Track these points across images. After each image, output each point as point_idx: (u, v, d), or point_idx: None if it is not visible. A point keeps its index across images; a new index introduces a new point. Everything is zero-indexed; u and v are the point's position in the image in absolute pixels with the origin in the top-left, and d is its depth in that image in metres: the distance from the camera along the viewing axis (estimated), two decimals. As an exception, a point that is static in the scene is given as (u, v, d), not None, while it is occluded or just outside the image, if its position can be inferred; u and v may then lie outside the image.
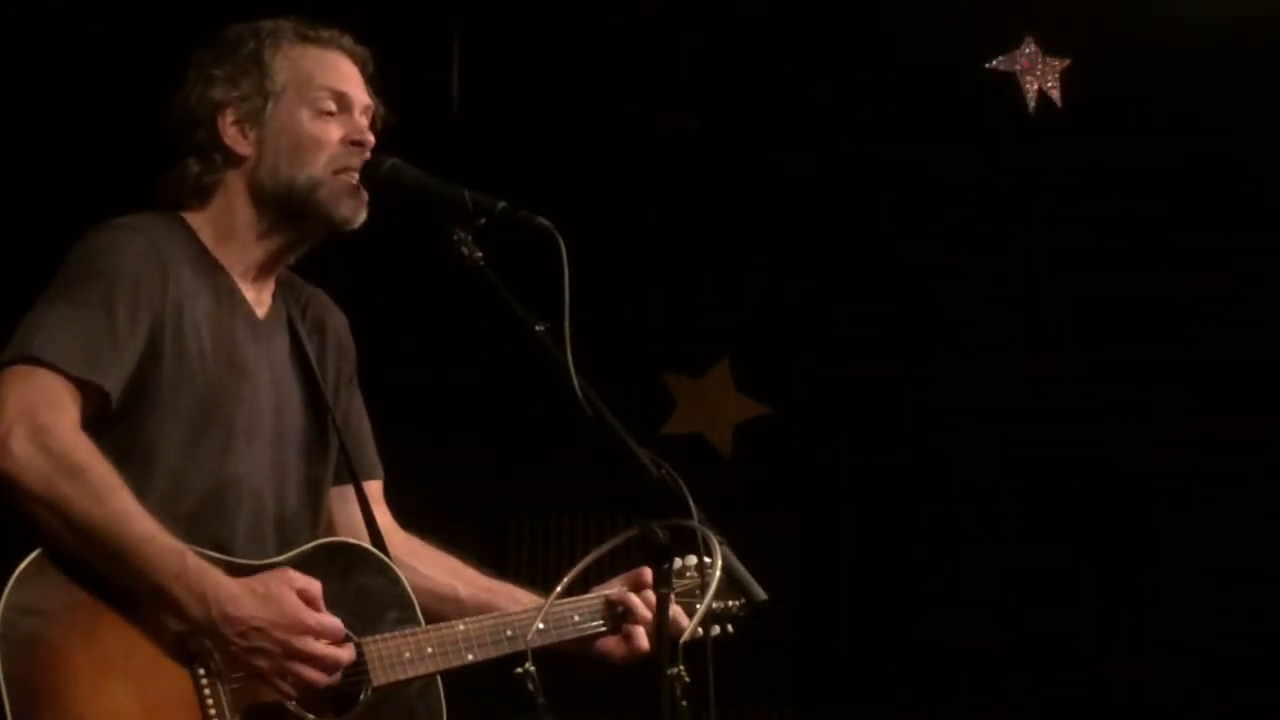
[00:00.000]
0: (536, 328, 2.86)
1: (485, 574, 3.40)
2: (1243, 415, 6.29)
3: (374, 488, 3.39)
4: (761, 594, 2.84)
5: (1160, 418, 6.35)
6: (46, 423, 2.85)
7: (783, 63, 5.90)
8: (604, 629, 3.33)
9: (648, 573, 3.31)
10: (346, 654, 2.96)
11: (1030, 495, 6.37)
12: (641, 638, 3.32)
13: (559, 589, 3.04)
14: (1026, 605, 6.35)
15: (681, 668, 2.72)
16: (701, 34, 5.76)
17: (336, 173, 3.16)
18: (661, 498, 2.78)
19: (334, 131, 3.18)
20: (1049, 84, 5.89)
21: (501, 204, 2.97)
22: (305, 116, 3.18)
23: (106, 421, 2.96)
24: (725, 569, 2.80)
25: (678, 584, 3.28)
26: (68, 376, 2.91)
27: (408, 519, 3.47)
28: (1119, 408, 6.39)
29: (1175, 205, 6.14)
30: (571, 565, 2.99)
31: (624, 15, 5.70)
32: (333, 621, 2.95)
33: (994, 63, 5.90)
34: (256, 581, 2.92)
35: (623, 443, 2.82)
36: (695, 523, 2.75)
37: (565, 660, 3.38)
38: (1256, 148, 5.95)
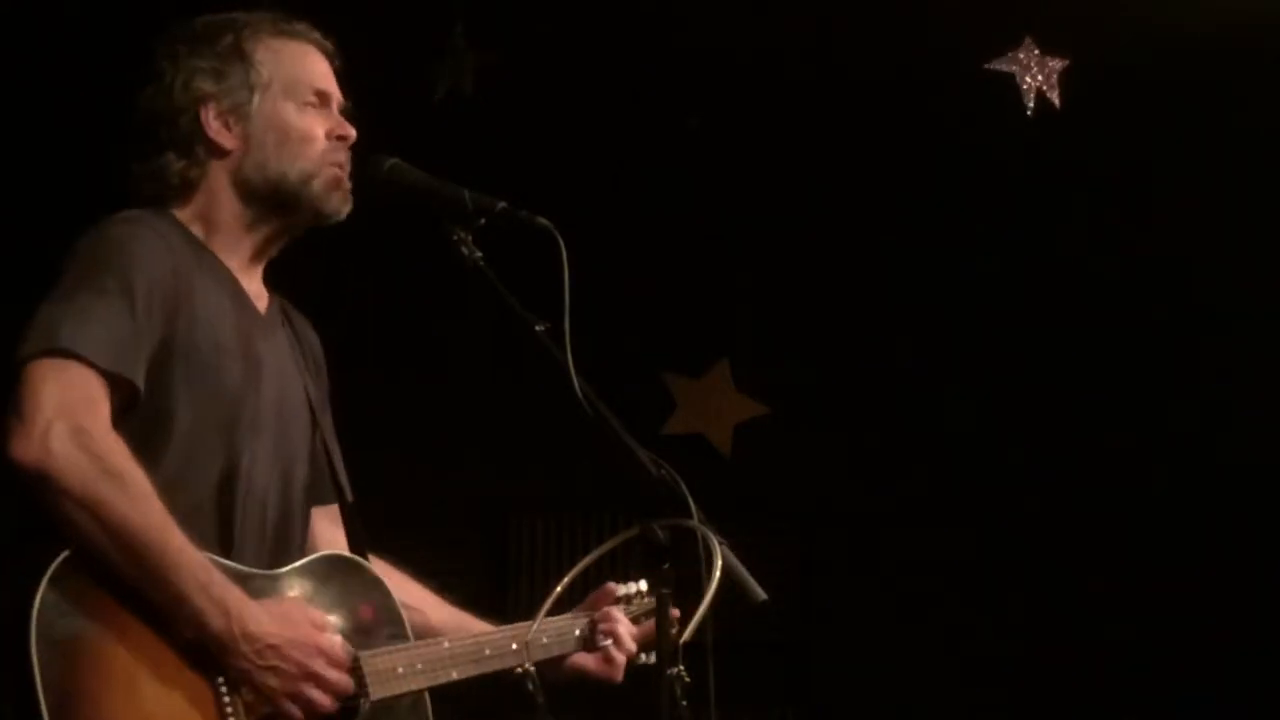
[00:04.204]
0: (536, 328, 2.86)
1: (444, 599, 3.39)
2: (1246, 410, 6.30)
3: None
4: (761, 594, 2.84)
5: (1164, 416, 6.36)
6: (85, 423, 2.81)
7: (782, 63, 5.90)
8: (573, 649, 3.35)
9: (609, 592, 3.38)
10: (349, 681, 2.97)
11: (1030, 494, 6.37)
12: (619, 659, 3.35)
13: (558, 589, 3.04)
14: (1026, 605, 6.35)
15: (681, 668, 2.72)
16: (701, 33, 5.76)
17: (327, 166, 3.16)
18: (662, 498, 2.78)
19: (319, 126, 3.18)
20: (1047, 84, 5.89)
21: (501, 204, 2.97)
22: (292, 110, 3.17)
23: (125, 414, 2.93)
24: (725, 569, 2.79)
25: (627, 610, 3.36)
26: (99, 371, 2.87)
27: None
28: (1120, 404, 6.39)
29: (1175, 205, 6.14)
30: (571, 565, 3.00)
31: (625, 14, 5.70)
32: (339, 649, 2.96)
33: (993, 63, 5.90)
34: (273, 602, 2.93)
35: (623, 443, 2.82)
36: (695, 523, 2.75)
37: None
38: (1257, 148, 5.95)
